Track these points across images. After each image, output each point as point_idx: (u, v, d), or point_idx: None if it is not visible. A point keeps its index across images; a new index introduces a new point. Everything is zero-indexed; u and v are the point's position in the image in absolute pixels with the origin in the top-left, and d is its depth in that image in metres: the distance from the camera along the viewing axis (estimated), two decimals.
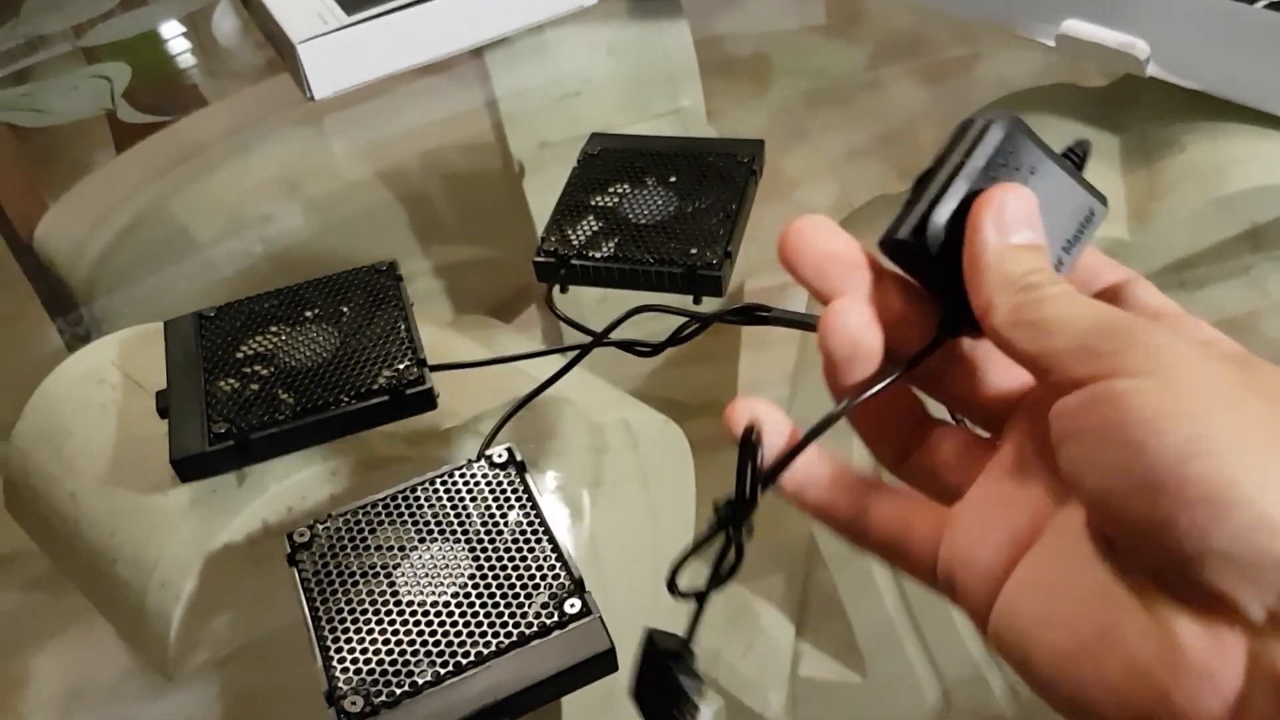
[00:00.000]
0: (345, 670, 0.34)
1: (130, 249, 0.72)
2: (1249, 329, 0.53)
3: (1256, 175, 0.48)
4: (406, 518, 0.38)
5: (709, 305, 0.47)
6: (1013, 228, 0.25)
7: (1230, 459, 0.20)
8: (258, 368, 0.44)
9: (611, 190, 0.51)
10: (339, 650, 0.35)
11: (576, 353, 0.42)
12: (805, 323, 0.38)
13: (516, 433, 0.42)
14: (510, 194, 0.69)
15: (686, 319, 0.41)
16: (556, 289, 0.49)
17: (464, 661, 0.34)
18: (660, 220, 0.49)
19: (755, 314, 0.39)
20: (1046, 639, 0.23)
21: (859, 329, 0.26)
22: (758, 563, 0.43)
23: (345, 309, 0.46)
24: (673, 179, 0.51)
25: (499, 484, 0.39)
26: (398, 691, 0.34)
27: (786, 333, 0.44)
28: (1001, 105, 0.57)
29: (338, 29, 0.57)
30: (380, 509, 0.39)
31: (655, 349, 0.42)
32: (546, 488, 0.51)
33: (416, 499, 0.39)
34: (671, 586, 0.31)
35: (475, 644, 0.35)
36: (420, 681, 0.34)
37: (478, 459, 0.40)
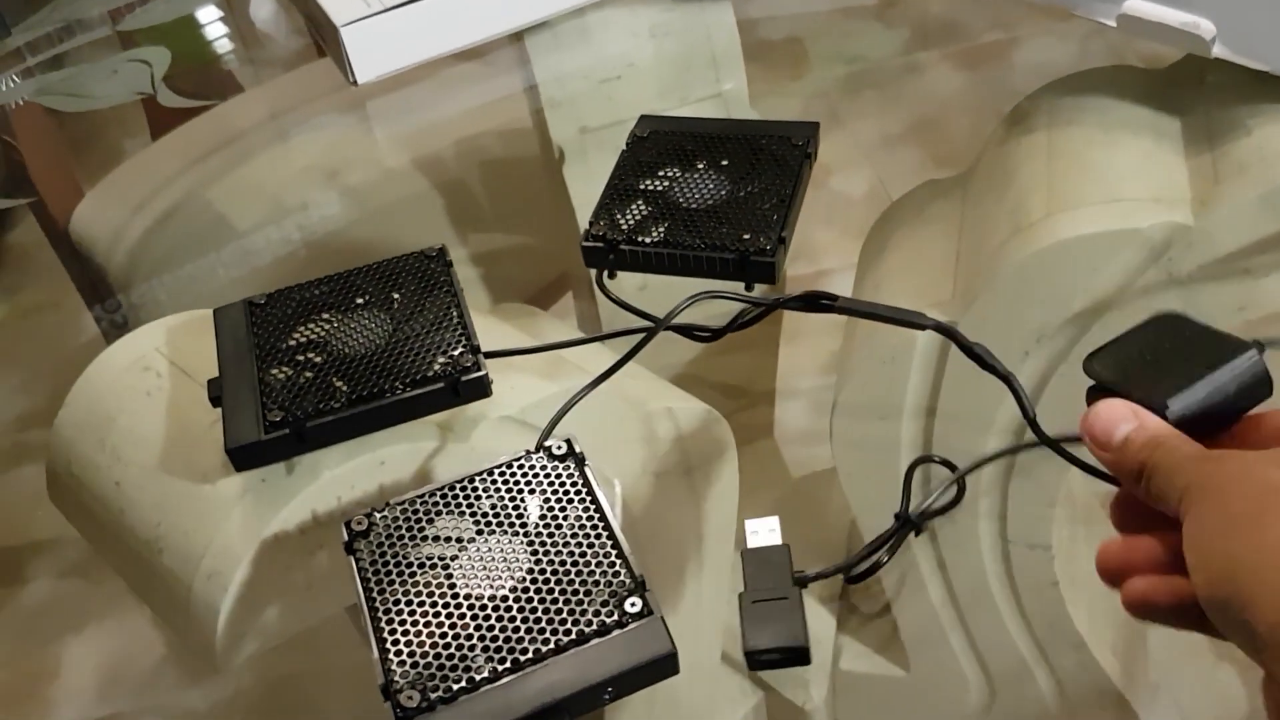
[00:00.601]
0: (402, 664, 0.34)
1: (168, 236, 0.72)
2: None
3: None
4: (464, 509, 0.38)
5: (758, 291, 0.46)
6: (1111, 433, 0.33)
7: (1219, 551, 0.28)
8: (310, 355, 0.43)
9: (661, 174, 0.50)
10: (395, 643, 0.34)
11: (640, 339, 0.41)
12: (871, 313, 0.37)
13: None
14: (548, 180, 0.68)
15: (746, 304, 0.41)
16: (607, 274, 0.48)
17: (522, 659, 0.33)
18: (711, 205, 0.48)
19: (820, 302, 0.38)
20: None
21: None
22: (798, 555, 0.42)
23: (396, 295, 0.45)
24: (724, 162, 0.50)
25: (558, 477, 0.38)
26: (455, 688, 0.33)
27: (823, 323, 0.42)
28: (1059, 86, 0.56)
29: (381, 11, 0.56)
30: (438, 499, 0.38)
31: (715, 334, 0.41)
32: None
33: (475, 489, 0.38)
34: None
35: (534, 641, 0.34)
36: (478, 678, 0.33)
37: (536, 450, 0.39)
